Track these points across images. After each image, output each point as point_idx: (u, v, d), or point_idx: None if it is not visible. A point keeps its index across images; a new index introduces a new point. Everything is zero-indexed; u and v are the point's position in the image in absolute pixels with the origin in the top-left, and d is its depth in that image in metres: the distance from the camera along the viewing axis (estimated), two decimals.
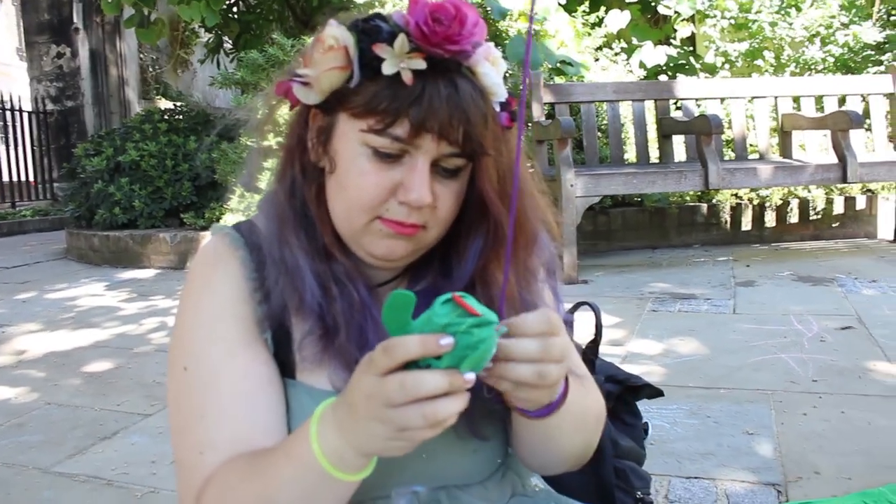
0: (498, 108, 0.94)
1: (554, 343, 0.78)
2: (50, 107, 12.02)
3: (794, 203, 6.10)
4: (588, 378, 1.09)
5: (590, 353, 1.51)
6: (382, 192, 0.90)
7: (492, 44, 0.92)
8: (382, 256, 0.95)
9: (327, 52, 0.89)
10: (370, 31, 0.88)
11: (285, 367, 0.97)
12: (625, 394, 1.55)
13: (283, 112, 1.03)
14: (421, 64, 0.85)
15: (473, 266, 0.97)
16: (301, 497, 0.83)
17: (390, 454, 0.78)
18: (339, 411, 0.79)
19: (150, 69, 13.42)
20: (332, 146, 0.94)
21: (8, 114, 11.44)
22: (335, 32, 0.89)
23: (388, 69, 0.86)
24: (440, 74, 0.87)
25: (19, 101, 11.59)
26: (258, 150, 1.09)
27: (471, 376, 0.73)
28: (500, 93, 0.93)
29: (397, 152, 0.89)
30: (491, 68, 0.91)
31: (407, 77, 0.85)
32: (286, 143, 1.00)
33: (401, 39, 0.85)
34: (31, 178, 12.03)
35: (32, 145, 11.87)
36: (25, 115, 11.78)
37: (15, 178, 11.57)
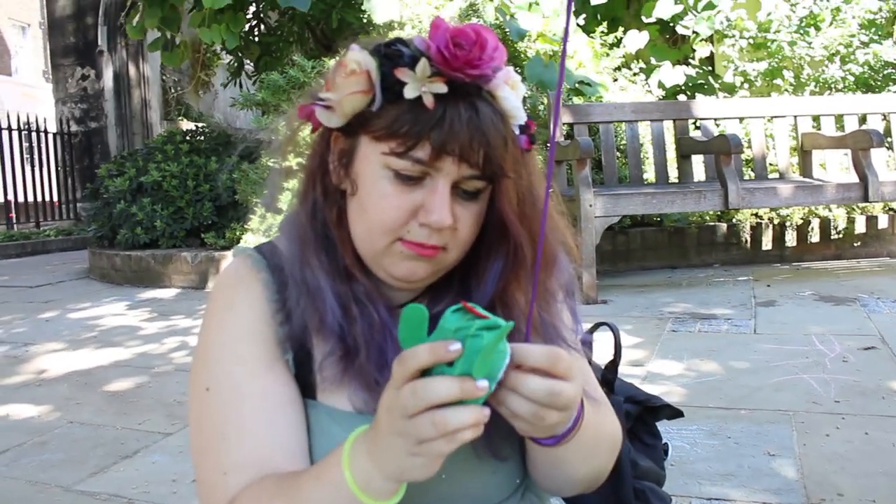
0: (517, 132, 0.94)
1: (561, 390, 0.78)
2: (74, 128, 12.20)
3: (815, 222, 6.05)
4: (604, 402, 1.09)
5: (609, 374, 1.51)
6: (403, 214, 0.91)
7: (511, 67, 0.93)
8: (403, 277, 0.95)
9: (349, 76, 0.90)
10: (392, 56, 0.90)
11: (306, 389, 0.98)
12: (644, 414, 1.55)
13: (305, 133, 1.04)
14: (442, 88, 0.86)
15: (493, 288, 0.97)
16: None
17: (414, 476, 0.78)
18: (369, 433, 0.80)
19: (172, 90, 13.57)
20: (353, 169, 0.95)
21: (34, 135, 11.61)
22: (357, 57, 0.90)
23: (410, 93, 0.87)
24: (461, 98, 0.88)
25: (44, 122, 11.78)
26: (279, 171, 1.11)
27: (484, 384, 0.73)
28: (519, 116, 0.94)
29: (418, 175, 0.90)
30: (511, 92, 0.92)
31: (428, 101, 0.86)
32: (308, 166, 1.02)
33: (422, 64, 0.86)
34: (55, 199, 12.20)
35: (57, 166, 12.05)
36: (50, 137, 11.95)
37: (39, 199, 11.73)
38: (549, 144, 5.04)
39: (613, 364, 1.51)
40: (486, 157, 0.89)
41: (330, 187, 0.99)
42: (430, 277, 0.97)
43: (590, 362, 1.55)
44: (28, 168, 11.59)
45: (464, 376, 0.73)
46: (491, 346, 0.73)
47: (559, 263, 1.04)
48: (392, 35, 0.95)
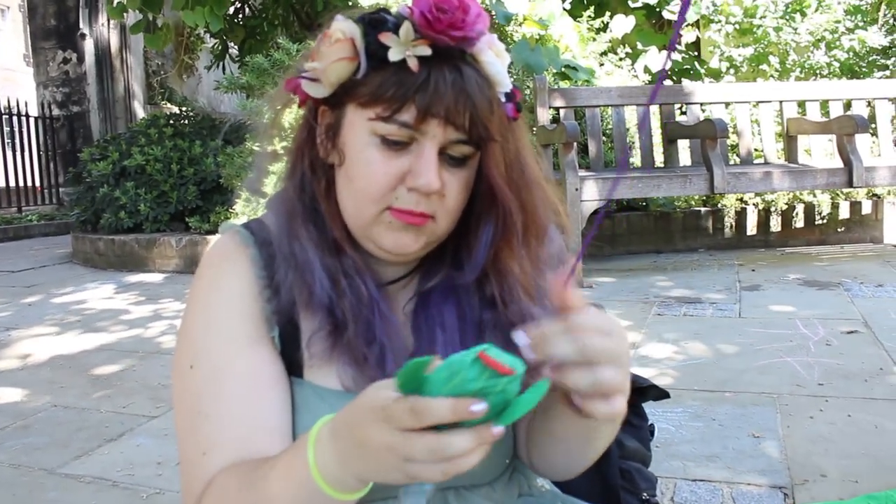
0: (503, 99, 0.95)
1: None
2: (56, 112, 12.07)
3: (800, 207, 6.09)
4: None
5: None
6: (391, 179, 0.91)
7: (495, 36, 0.93)
8: (393, 250, 0.95)
9: (334, 44, 0.90)
10: (376, 22, 0.90)
11: (293, 366, 0.96)
12: (631, 394, 1.55)
13: (290, 117, 1.04)
14: (426, 51, 0.87)
15: (485, 256, 0.97)
16: None
17: (390, 481, 0.75)
18: (341, 444, 0.76)
19: (156, 74, 13.45)
20: (340, 139, 0.95)
21: (14, 119, 11.49)
22: (342, 26, 0.91)
23: (394, 56, 0.87)
24: (445, 61, 0.88)
25: (26, 106, 11.65)
26: (265, 154, 1.10)
27: (499, 430, 0.69)
28: (504, 82, 0.94)
29: (405, 140, 0.90)
30: (495, 58, 0.92)
31: (413, 64, 0.87)
32: (295, 142, 1.01)
33: (406, 27, 0.87)
34: (37, 183, 12.09)
35: (38, 150, 11.93)
36: (32, 121, 11.83)
37: (21, 183, 11.62)
38: (534, 129, 5.02)
39: None
40: (471, 119, 0.89)
41: (318, 161, 0.98)
42: (420, 250, 0.96)
43: None
44: (9, 153, 11.48)
45: (482, 427, 0.68)
46: (515, 398, 0.69)
47: (550, 233, 1.04)
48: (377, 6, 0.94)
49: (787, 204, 6.08)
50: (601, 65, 6.69)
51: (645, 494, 1.43)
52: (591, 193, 4.82)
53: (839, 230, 6.10)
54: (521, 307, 0.97)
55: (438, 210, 0.93)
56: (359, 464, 0.75)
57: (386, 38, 0.87)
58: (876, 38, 6.99)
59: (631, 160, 5.80)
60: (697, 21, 7.82)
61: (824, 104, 5.94)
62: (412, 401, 0.68)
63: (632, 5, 7.56)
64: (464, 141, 0.91)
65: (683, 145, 5.83)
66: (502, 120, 0.94)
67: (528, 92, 5.97)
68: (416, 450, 0.68)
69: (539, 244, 1.01)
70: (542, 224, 1.00)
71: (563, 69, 6.14)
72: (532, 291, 0.97)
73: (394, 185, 0.91)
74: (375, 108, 0.89)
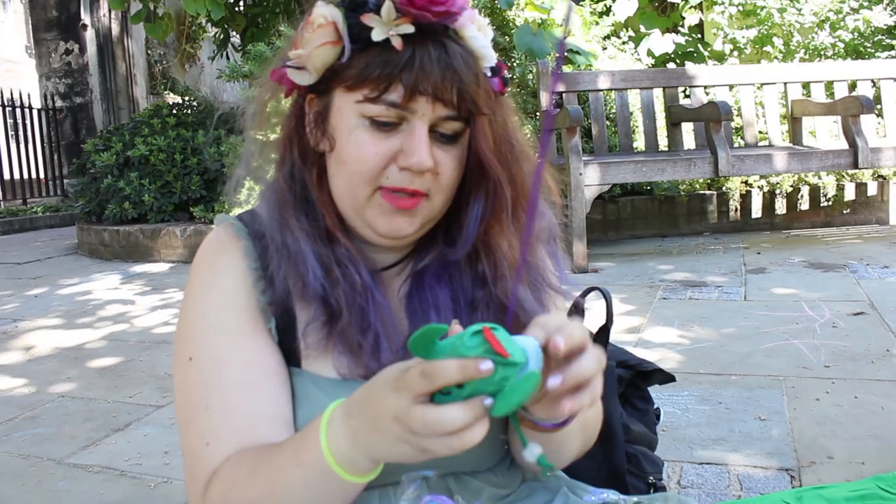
0: (489, 74, 0.95)
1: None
2: (59, 103, 12.06)
3: (805, 190, 6.06)
4: None
5: (600, 338, 1.51)
6: (382, 160, 0.91)
7: (476, 11, 0.94)
8: (388, 233, 0.95)
9: (317, 30, 0.91)
10: (356, 5, 0.90)
11: (290, 356, 0.97)
12: (636, 379, 1.55)
13: (281, 106, 1.04)
14: (409, 28, 0.87)
15: (475, 231, 0.97)
16: (311, 497, 0.83)
17: (403, 461, 0.77)
18: (354, 421, 0.77)
19: (158, 64, 13.43)
20: (329, 125, 0.95)
21: (17, 111, 11.48)
22: (323, 11, 0.91)
23: (377, 36, 0.87)
24: (429, 38, 0.88)
25: (28, 98, 11.64)
26: (254, 142, 1.09)
27: (490, 401, 0.70)
28: (489, 56, 0.94)
29: (394, 120, 0.90)
30: (478, 32, 0.93)
31: (397, 42, 0.87)
32: (284, 132, 1.01)
33: (387, 6, 0.87)
34: (42, 175, 12.09)
35: (42, 142, 11.92)
36: (35, 113, 11.82)
37: (25, 176, 11.63)
38: (538, 114, 5.00)
39: (605, 329, 1.51)
40: (459, 94, 0.89)
41: (308, 150, 0.98)
42: (416, 231, 0.96)
43: None
44: (13, 145, 11.48)
45: (473, 402, 0.70)
46: (508, 384, 0.71)
47: (540, 207, 1.04)
48: None
49: (792, 186, 6.06)
50: (604, 48, 6.66)
51: (651, 478, 1.43)
52: (595, 177, 4.81)
53: (845, 212, 6.08)
54: (506, 285, 0.97)
55: (433, 187, 0.93)
56: (370, 438, 0.76)
57: (368, 18, 0.87)
58: (881, 17, 6.93)
59: (634, 144, 5.77)
60: (701, 3, 7.76)
61: (829, 85, 5.91)
62: (423, 364, 0.70)
63: None
64: (453, 117, 0.91)
65: (687, 128, 5.80)
66: (489, 94, 0.94)
67: (530, 76, 5.95)
68: (415, 422, 0.70)
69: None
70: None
71: (566, 53, 6.10)
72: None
73: (385, 164, 0.91)
74: (363, 90, 0.89)
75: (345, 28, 0.90)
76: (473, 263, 0.99)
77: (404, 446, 0.73)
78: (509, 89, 1.00)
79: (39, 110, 11.95)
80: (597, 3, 6.93)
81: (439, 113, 0.90)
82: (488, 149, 0.94)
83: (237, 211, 1.10)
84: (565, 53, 6.05)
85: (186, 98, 8.49)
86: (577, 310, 1.55)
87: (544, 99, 5.35)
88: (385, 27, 0.87)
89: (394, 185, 0.91)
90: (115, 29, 12.27)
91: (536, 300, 1.00)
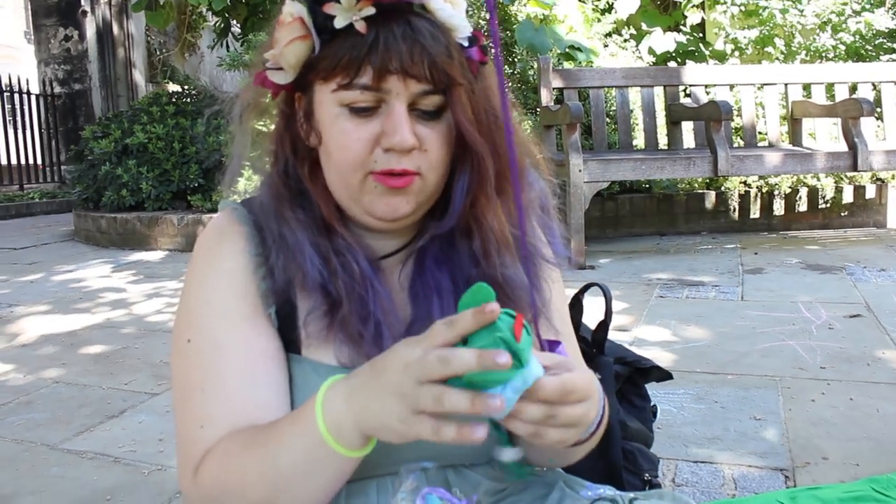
0: (466, 44, 0.94)
1: (561, 412, 0.78)
2: (57, 90, 12.02)
3: (804, 191, 6.07)
4: (581, 363, 1.10)
5: (599, 335, 1.51)
6: (365, 144, 0.91)
7: None
8: (385, 215, 0.95)
9: (285, 27, 0.92)
10: None
11: (290, 344, 0.97)
12: (633, 375, 1.55)
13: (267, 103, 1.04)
14: (370, 10, 0.87)
15: (461, 203, 0.97)
16: (301, 469, 0.83)
17: (386, 439, 0.78)
18: (357, 378, 0.80)
19: (158, 52, 13.39)
20: (314, 120, 0.96)
21: (16, 97, 11.45)
22: (289, 7, 0.92)
23: (339, 23, 0.88)
24: (393, 17, 0.89)
25: (27, 84, 11.60)
26: (241, 138, 1.08)
27: (505, 357, 0.72)
28: (461, 27, 0.93)
29: (372, 104, 0.91)
30: (444, 4, 0.92)
31: (360, 26, 0.88)
32: (275, 130, 1.02)
33: None
34: (39, 161, 12.06)
35: (40, 128, 11.90)
36: (33, 98, 11.79)
37: (23, 161, 11.60)
38: (539, 110, 5.00)
39: (604, 325, 1.51)
40: (430, 67, 0.89)
41: (300, 145, 0.99)
42: (414, 212, 0.96)
43: (579, 324, 1.56)
44: (11, 130, 11.45)
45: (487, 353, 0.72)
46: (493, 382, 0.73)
47: (527, 177, 1.04)
48: None
49: (790, 187, 6.06)
50: (605, 46, 6.65)
51: (647, 475, 1.44)
52: (594, 174, 4.81)
53: (842, 214, 6.09)
54: (497, 264, 0.98)
55: (423, 165, 0.93)
56: (365, 407, 0.78)
57: (330, 7, 0.88)
58: (883, 20, 6.93)
59: (634, 142, 5.77)
60: (703, 3, 7.75)
61: (829, 87, 5.91)
62: (442, 351, 0.73)
63: None
64: (429, 91, 0.91)
65: (687, 127, 5.80)
66: (464, 65, 0.93)
67: (531, 72, 5.94)
68: (423, 398, 0.73)
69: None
70: (518, 168, 1.00)
71: (567, 50, 6.10)
72: (509, 245, 0.98)
73: (370, 149, 0.92)
74: (335, 78, 0.90)
75: (310, 21, 0.91)
76: (468, 241, 0.99)
77: (396, 404, 0.75)
78: (489, 58, 0.98)
79: (38, 96, 11.92)
80: (599, 0, 6.92)
81: (413, 89, 0.90)
82: (468, 120, 0.93)
83: (239, 197, 1.10)
84: (566, 50, 6.05)
85: (186, 87, 8.46)
86: (575, 306, 1.55)
87: (545, 94, 5.34)
88: (347, 13, 0.88)
89: (382, 167, 0.92)
90: (115, 16, 12.22)
91: (530, 275, 0.99)
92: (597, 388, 0.85)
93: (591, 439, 0.93)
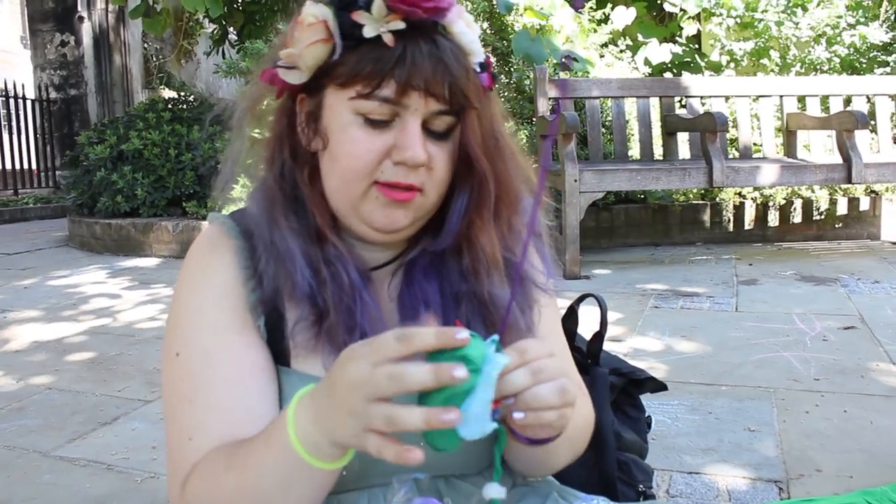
0: (478, 69, 0.96)
1: (564, 387, 0.79)
2: (53, 95, 12.01)
3: (798, 203, 6.08)
4: (580, 385, 1.11)
5: (594, 346, 1.50)
6: (376, 155, 0.92)
7: (463, 7, 0.95)
8: (383, 227, 0.95)
9: (307, 28, 0.91)
10: (346, 3, 0.90)
11: (279, 356, 0.97)
12: (628, 387, 1.55)
13: (266, 107, 1.04)
14: (400, 25, 0.87)
15: (457, 224, 0.98)
16: (280, 484, 0.83)
17: (361, 449, 0.76)
18: (319, 394, 0.78)
19: (154, 59, 13.39)
20: (322, 124, 0.95)
21: (11, 102, 11.43)
22: (313, 10, 0.92)
23: (369, 32, 0.88)
24: (420, 34, 0.89)
25: (23, 88, 11.58)
26: (239, 142, 1.08)
27: (462, 372, 0.71)
28: (477, 51, 0.95)
29: (387, 117, 0.91)
30: (466, 28, 0.93)
31: (388, 39, 0.88)
32: (274, 132, 1.01)
33: (378, 4, 0.87)
34: (34, 166, 12.02)
35: (35, 133, 11.86)
36: (28, 103, 11.76)
37: (17, 166, 11.57)
38: (534, 119, 4.99)
39: (599, 336, 1.51)
40: (450, 88, 0.90)
41: (299, 149, 0.98)
42: (410, 226, 0.97)
43: (574, 333, 1.56)
44: (6, 135, 11.42)
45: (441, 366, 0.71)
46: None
47: (524, 203, 1.04)
48: None
49: (785, 199, 6.08)
50: (601, 56, 6.67)
51: (641, 486, 1.43)
52: (589, 184, 4.81)
53: (837, 226, 6.10)
54: (486, 283, 0.98)
55: (426, 182, 0.94)
56: (327, 422, 0.76)
57: (358, 16, 0.88)
58: (877, 34, 6.96)
59: (630, 152, 5.78)
60: (699, 14, 7.78)
61: (824, 100, 5.93)
62: (392, 368, 0.71)
63: None
64: (444, 111, 0.91)
65: (683, 138, 5.82)
66: (478, 89, 0.95)
67: (527, 82, 5.95)
68: (373, 417, 0.71)
69: (512, 213, 1.02)
70: (514, 194, 1.01)
71: (563, 60, 6.11)
72: (499, 266, 0.99)
73: (379, 160, 0.92)
74: (355, 87, 0.90)
75: (335, 26, 0.90)
76: (459, 258, 1.00)
77: (351, 422, 0.73)
78: (496, 85, 1.01)
79: (33, 101, 11.89)
80: (595, 10, 6.94)
81: (431, 108, 0.90)
82: (476, 143, 0.95)
83: (229, 209, 1.10)
84: (562, 60, 6.07)
85: (182, 93, 8.46)
86: (572, 316, 1.55)
87: (541, 104, 5.35)
88: (376, 24, 0.88)
89: (388, 179, 0.92)
90: (112, 22, 12.22)
91: (519, 297, 1.01)
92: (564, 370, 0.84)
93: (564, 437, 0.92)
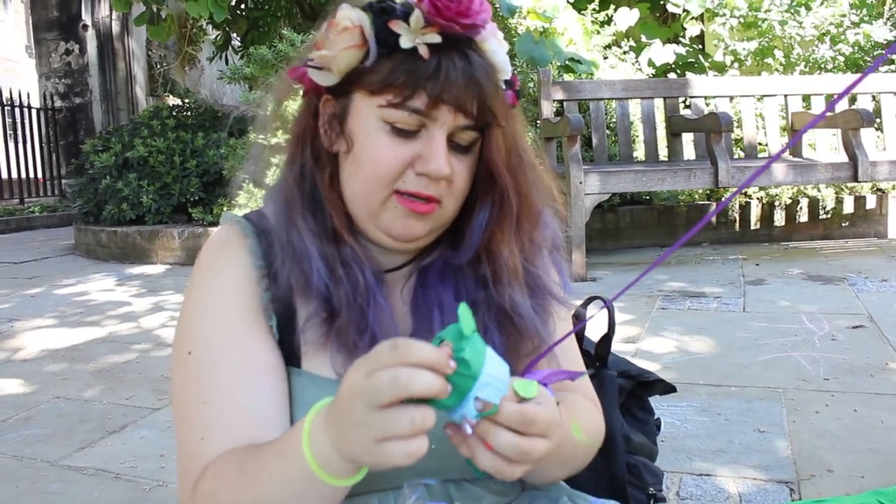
0: (504, 86, 0.97)
1: (531, 448, 0.77)
2: (58, 103, 12.05)
3: (804, 202, 6.07)
4: (588, 391, 1.11)
5: (602, 348, 1.50)
6: (400, 164, 0.92)
7: (496, 26, 0.95)
8: (400, 236, 0.95)
9: (343, 32, 0.91)
10: (384, 10, 0.90)
11: (291, 357, 0.97)
12: (637, 389, 1.54)
13: (292, 108, 1.03)
14: (436, 38, 0.88)
15: (479, 238, 0.98)
16: (292, 497, 0.82)
17: (371, 465, 0.75)
18: (332, 410, 0.77)
19: (158, 66, 13.42)
20: (347, 127, 0.95)
21: (17, 110, 11.47)
22: (350, 14, 0.91)
23: (405, 43, 0.88)
24: (454, 49, 0.90)
25: (28, 97, 11.62)
26: (265, 146, 1.10)
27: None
28: (506, 69, 0.96)
29: (415, 128, 0.91)
30: (497, 46, 0.95)
31: (424, 51, 0.88)
32: (295, 132, 1.01)
33: (416, 15, 0.88)
34: (39, 175, 12.07)
35: (41, 142, 11.91)
36: (34, 112, 11.81)
37: (23, 175, 11.60)
38: (538, 122, 4.99)
39: (607, 338, 1.50)
40: (480, 106, 0.90)
41: (321, 151, 0.98)
42: (427, 236, 0.97)
43: (582, 337, 1.55)
44: (12, 144, 11.45)
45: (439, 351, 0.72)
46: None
47: (544, 217, 1.05)
48: None
49: (791, 198, 6.07)
50: (605, 58, 6.67)
51: (651, 489, 1.42)
52: (595, 186, 4.81)
53: (843, 225, 6.08)
54: (507, 291, 0.99)
55: (446, 195, 0.94)
56: (337, 429, 0.75)
57: (396, 25, 0.88)
58: (881, 32, 6.95)
59: (635, 154, 5.78)
60: (702, 14, 7.78)
61: (829, 98, 5.91)
62: (392, 371, 0.70)
63: None
64: (470, 126, 0.92)
65: (688, 139, 5.81)
66: (505, 106, 0.96)
67: (531, 85, 5.95)
68: (382, 382, 0.70)
69: (532, 227, 1.03)
70: (535, 208, 1.02)
71: (567, 62, 6.11)
72: (519, 276, 0.99)
73: (402, 169, 0.92)
74: (386, 95, 0.90)
75: (371, 33, 0.90)
76: (476, 266, 1.00)
77: (359, 433, 0.72)
78: (520, 101, 1.01)
79: (38, 110, 11.94)
80: (598, 12, 6.94)
81: (459, 122, 0.91)
82: (500, 159, 0.95)
83: (240, 211, 1.11)
84: (566, 62, 6.07)
85: (186, 100, 8.48)
86: (578, 318, 1.55)
87: (545, 107, 5.35)
88: (412, 35, 0.88)
89: (409, 189, 0.92)
90: (116, 30, 12.26)
91: (537, 308, 1.01)
92: (561, 429, 0.83)
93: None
